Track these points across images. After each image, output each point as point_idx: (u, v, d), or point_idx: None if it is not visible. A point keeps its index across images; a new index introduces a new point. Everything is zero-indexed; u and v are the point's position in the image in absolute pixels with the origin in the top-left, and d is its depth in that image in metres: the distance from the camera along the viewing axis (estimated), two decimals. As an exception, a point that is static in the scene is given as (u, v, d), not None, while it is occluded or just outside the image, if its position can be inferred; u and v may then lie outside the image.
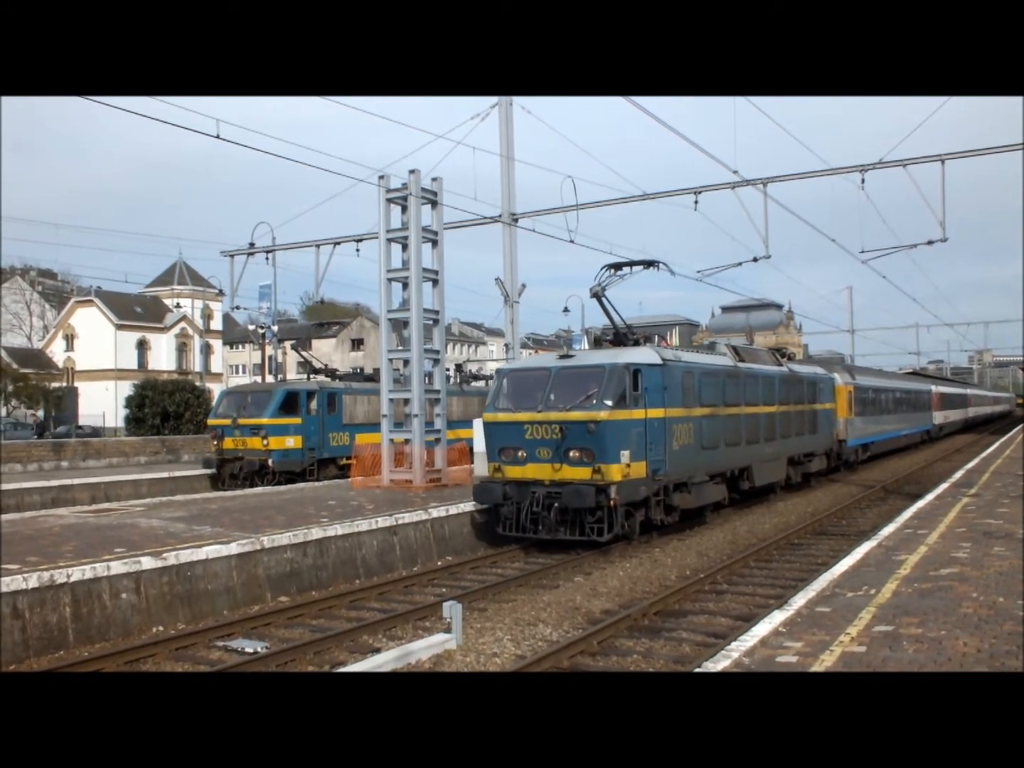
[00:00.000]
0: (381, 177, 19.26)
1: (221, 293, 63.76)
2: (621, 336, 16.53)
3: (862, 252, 21.65)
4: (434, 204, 19.80)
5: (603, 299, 15.86)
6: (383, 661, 8.77)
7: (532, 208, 22.91)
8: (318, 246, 24.79)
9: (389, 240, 19.56)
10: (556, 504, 14.01)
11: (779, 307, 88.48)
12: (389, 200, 19.43)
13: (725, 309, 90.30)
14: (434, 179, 19.82)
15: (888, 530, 12.85)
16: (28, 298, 79.45)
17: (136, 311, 74.07)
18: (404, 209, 19.42)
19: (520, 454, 14.71)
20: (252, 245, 26.25)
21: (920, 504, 15.94)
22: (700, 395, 16.68)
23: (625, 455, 14.10)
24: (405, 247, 19.43)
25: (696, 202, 20.81)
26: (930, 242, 20.18)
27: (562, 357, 15.63)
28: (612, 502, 13.76)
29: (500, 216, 22.10)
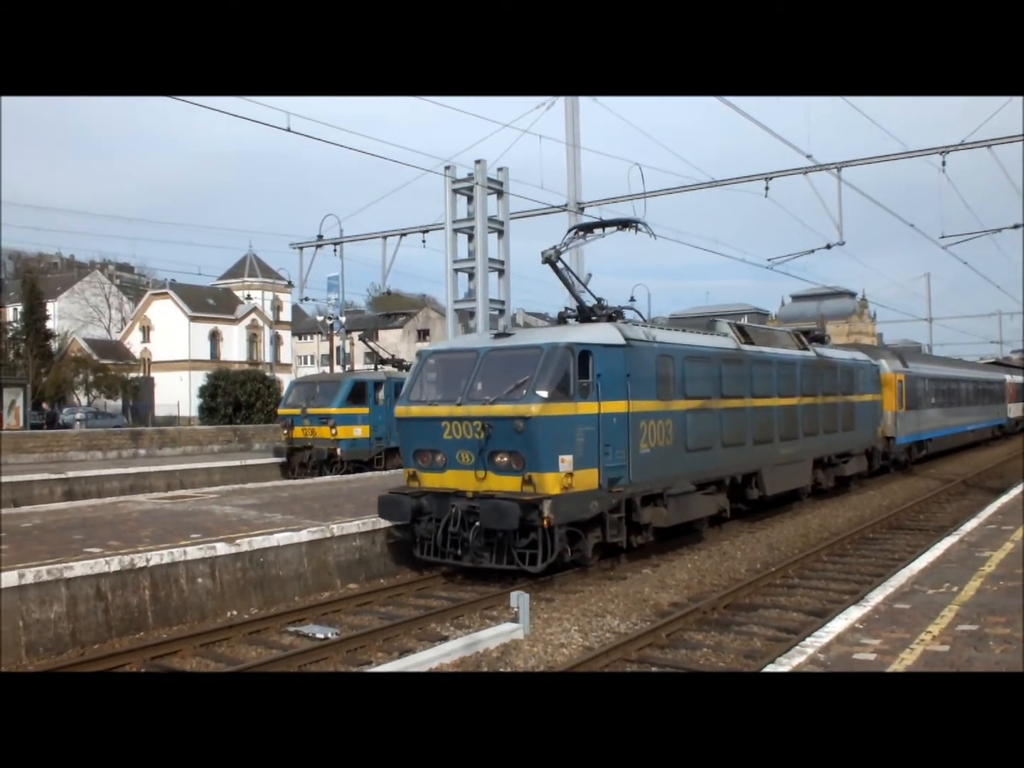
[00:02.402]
0: (447, 167, 19.32)
1: (290, 285, 65.02)
2: (587, 312, 13.48)
3: (942, 237, 21.01)
4: (500, 194, 19.80)
5: (557, 265, 13.15)
6: (451, 649, 8.80)
7: (598, 196, 22.74)
8: (385, 237, 25.00)
9: (455, 231, 19.65)
10: (478, 523, 11.41)
11: (852, 295, 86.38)
12: (455, 191, 19.50)
13: (795, 298, 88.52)
14: (500, 169, 19.83)
15: (970, 525, 12.44)
16: (107, 291, 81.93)
17: (209, 303, 75.89)
18: (470, 199, 19.47)
19: (438, 458, 12.01)
20: (320, 237, 26.62)
21: (1004, 499, 15.40)
22: (683, 384, 13.68)
23: (566, 461, 11.29)
24: (471, 237, 19.48)
25: (767, 188, 20.41)
26: (1016, 226, 19.46)
27: (497, 336, 12.77)
28: (546, 521, 10.94)
29: (566, 205, 21.98)
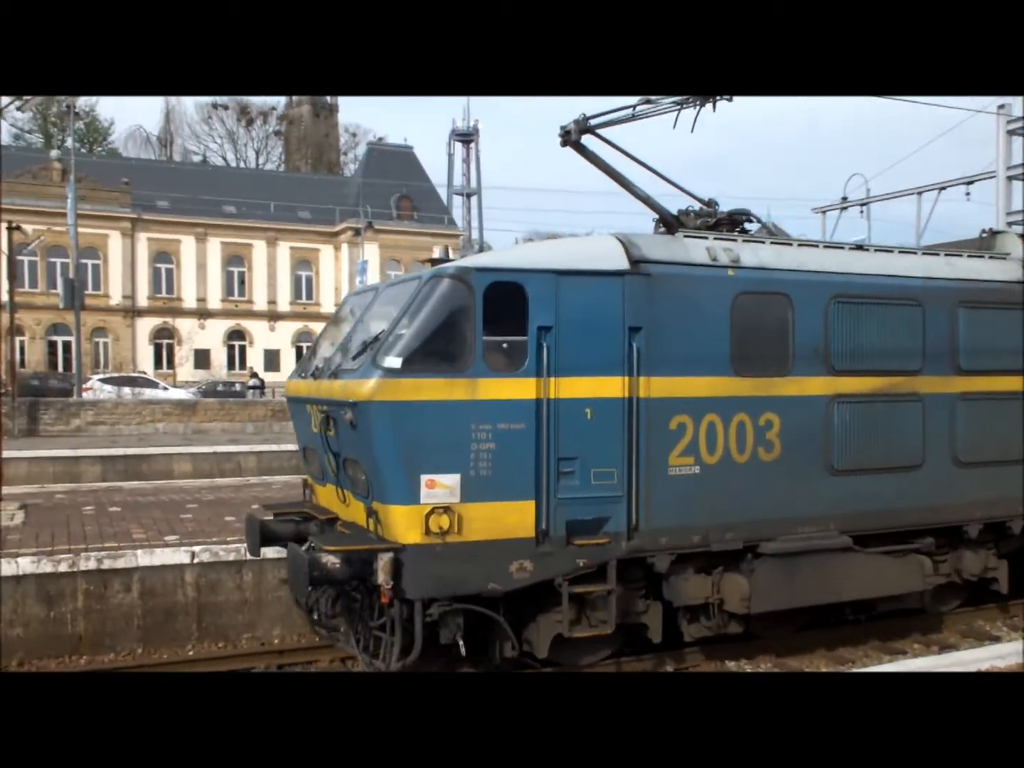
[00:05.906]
0: (1000, 106, 17.09)
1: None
2: (671, 220, 7.99)
3: None
4: (1070, 130, 16.91)
5: (581, 144, 7.68)
6: (1006, 652, 7.80)
7: None
8: (920, 193, 23.12)
9: (1010, 178, 17.30)
10: None
11: None
12: (1010, 132, 17.13)
13: None
14: (1071, 101, 16.92)
15: None
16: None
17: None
18: (1029, 140, 16.96)
19: (318, 463, 7.95)
20: (845, 199, 25.60)
21: None
22: (823, 347, 7.73)
23: (439, 484, 6.42)
24: (1030, 184, 16.99)
25: None
26: None
27: (432, 263, 7.57)
28: (383, 595, 6.35)
29: None
